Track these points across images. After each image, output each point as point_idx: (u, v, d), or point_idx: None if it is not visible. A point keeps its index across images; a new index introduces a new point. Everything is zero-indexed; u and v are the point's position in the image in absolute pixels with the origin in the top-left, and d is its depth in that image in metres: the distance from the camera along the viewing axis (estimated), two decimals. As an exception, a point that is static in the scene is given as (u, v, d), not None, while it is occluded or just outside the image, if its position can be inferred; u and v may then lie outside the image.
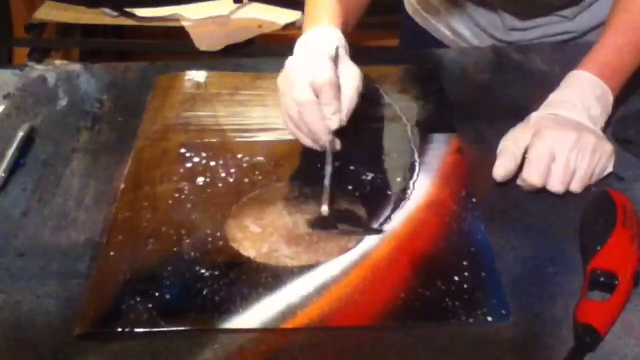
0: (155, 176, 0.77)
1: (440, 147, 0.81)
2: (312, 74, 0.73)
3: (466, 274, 0.64)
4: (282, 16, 1.99)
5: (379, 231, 0.69)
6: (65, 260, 0.68)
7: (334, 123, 0.73)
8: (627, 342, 0.59)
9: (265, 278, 0.65)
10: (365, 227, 0.70)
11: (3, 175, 0.77)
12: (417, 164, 0.78)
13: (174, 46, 2.07)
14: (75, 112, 0.89)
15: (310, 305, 0.62)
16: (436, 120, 0.85)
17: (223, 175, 0.78)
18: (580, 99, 0.77)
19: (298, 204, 0.73)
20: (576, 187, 0.73)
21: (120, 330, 0.61)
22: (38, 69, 0.97)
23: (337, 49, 0.76)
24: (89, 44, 2.22)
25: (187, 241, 0.69)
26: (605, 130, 0.78)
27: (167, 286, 0.64)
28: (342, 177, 0.76)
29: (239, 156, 0.80)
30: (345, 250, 0.68)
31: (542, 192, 0.73)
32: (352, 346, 0.59)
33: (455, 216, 0.71)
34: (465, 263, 0.66)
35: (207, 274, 0.65)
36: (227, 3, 2.02)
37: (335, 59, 0.75)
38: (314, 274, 0.65)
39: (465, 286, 0.63)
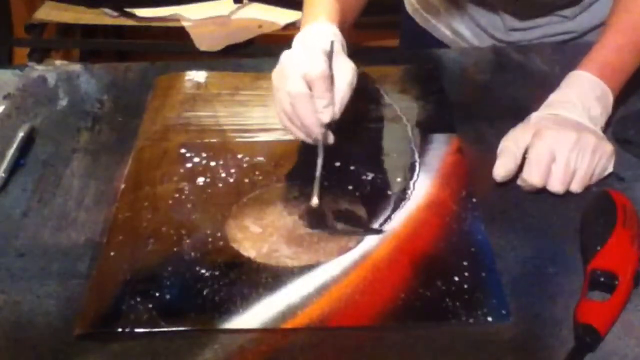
0: (155, 176, 0.77)
1: (440, 147, 0.81)
2: (305, 67, 0.73)
3: (466, 274, 0.64)
4: (282, 16, 1.98)
5: (379, 231, 0.69)
6: (65, 260, 0.68)
7: (326, 116, 0.73)
8: (627, 342, 0.59)
9: (265, 278, 0.65)
10: (365, 227, 0.70)
11: (3, 175, 0.77)
12: (417, 164, 0.78)
13: (174, 46, 2.07)
14: (75, 112, 0.89)
15: (310, 305, 0.62)
16: (436, 120, 0.85)
17: (223, 175, 0.78)
18: (580, 99, 0.77)
19: (298, 204, 0.73)
20: (576, 187, 0.73)
21: (120, 330, 0.61)
22: (38, 69, 0.97)
23: (332, 43, 0.76)
24: (89, 44, 2.22)
25: (187, 241, 0.69)
26: (605, 130, 0.79)
27: (167, 286, 0.64)
28: (342, 177, 0.76)
29: (239, 156, 0.80)
30: (345, 250, 0.68)
31: (542, 192, 0.73)
32: (352, 346, 0.59)
33: (455, 216, 0.71)
34: (465, 263, 0.66)
35: (207, 274, 0.65)
36: (227, 3, 2.02)
37: (330, 54, 0.75)
38: (314, 274, 0.65)
39: (465, 286, 0.63)
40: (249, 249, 0.68)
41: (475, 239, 0.68)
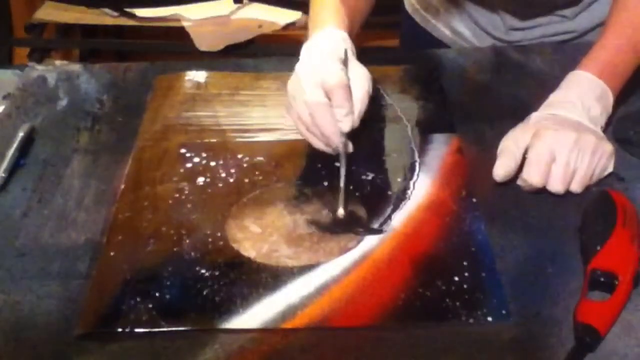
0: (155, 176, 0.77)
1: (440, 147, 0.81)
2: (322, 76, 0.73)
3: (466, 274, 0.64)
4: (282, 16, 1.98)
5: (379, 231, 0.69)
6: (65, 260, 0.68)
7: (346, 125, 0.73)
8: (627, 342, 0.59)
9: (265, 278, 0.65)
10: (365, 227, 0.70)
11: (3, 175, 0.77)
12: (417, 164, 0.78)
13: (174, 46, 2.07)
14: (75, 112, 0.89)
15: (310, 305, 0.62)
16: (436, 120, 0.85)
17: (223, 175, 0.78)
18: (580, 99, 0.77)
19: (298, 204, 0.73)
20: (576, 187, 0.73)
21: (120, 330, 0.61)
22: (38, 69, 0.97)
23: (346, 51, 0.76)
24: (89, 44, 2.22)
25: (187, 241, 0.69)
26: (605, 130, 0.79)
27: (167, 286, 0.64)
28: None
29: (239, 156, 0.80)
30: (345, 250, 0.68)
31: (542, 192, 0.73)
32: (352, 346, 0.59)
33: (455, 216, 0.71)
34: (465, 263, 0.66)
35: (207, 274, 0.65)
36: (227, 3, 2.02)
37: (345, 61, 0.75)
38: (314, 274, 0.65)
39: (465, 286, 0.63)
40: (249, 249, 0.68)
41: (475, 239, 0.68)
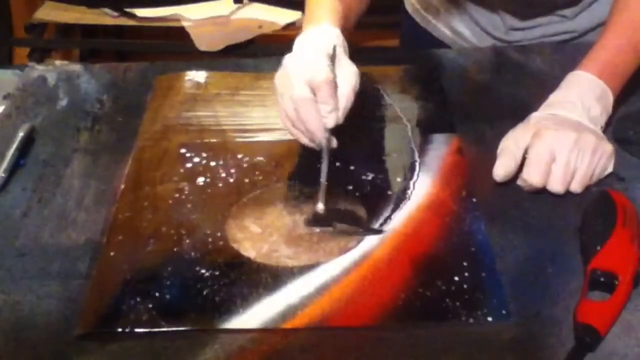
0: (155, 176, 0.77)
1: (440, 147, 0.81)
2: (309, 72, 0.73)
3: (466, 274, 0.64)
4: (282, 16, 1.98)
5: (379, 231, 0.69)
6: (65, 260, 0.68)
7: (331, 121, 0.73)
8: (627, 342, 0.59)
9: (265, 278, 0.65)
10: (365, 227, 0.70)
11: (3, 175, 0.77)
12: (417, 164, 0.78)
13: (174, 46, 2.07)
14: (75, 112, 0.89)
15: (310, 305, 0.62)
16: (436, 120, 0.85)
17: (223, 175, 0.78)
18: (580, 99, 0.77)
19: (298, 204, 0.73)
20: (576, 187, 0.73)
21: (120, 330, 0.61)
22: (38, 69, 0.97)
23: (335, 47, 0.76)
24: (89, 44, 2.21)
25: (187, 241, 0.69)
26: (605, 130, 0.78)
27: (167, 286, 0.64)
28: (342, 177, 0.76)
29: (239, 156, 0.80)
30: (345, 250, 0.68)
31: (542, 192, 0.73)
32: (352, 346, 0.59)
33: (455, 216, 0.71)
34: (465, 263, 0.66)
35: (207, 274, 0.65)
36: (227, 3, 2.02)
37: (333, 58, 0.75)
38: (314, 274, 0.65)
39: (465, 286, 0.63)
40: (249, 249, 0.68)
41: (475, 239, 0.68)
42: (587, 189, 0.73)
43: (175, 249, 0.68)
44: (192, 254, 0.68)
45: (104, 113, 0.89)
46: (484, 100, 0.90)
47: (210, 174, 0.78)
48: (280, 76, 0.76)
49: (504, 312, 0.61)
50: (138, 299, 0.63)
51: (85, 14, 2.02)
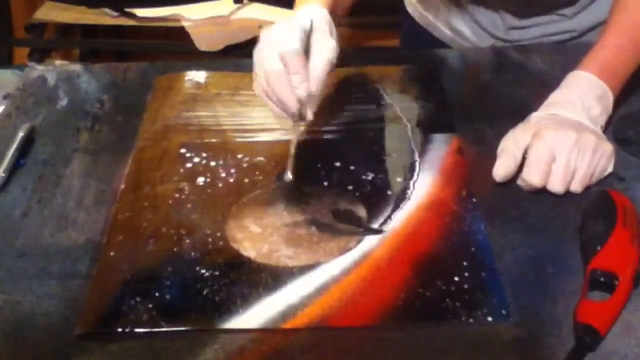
0: (155, 176, 0.77)
1: (440, 147, 0.81)
2: (280, 45, 0.73)
3: (466, 274, 0.64)
4: (282, 16, 1.96)
5: (379, 231, 0.69)
6: (65, 260, 0.68)
7: (302, 91, 0.74)
8: (627, 342, 0.59)
9: (265, 278, 0.65)
10: (365, 227, 0.70)
11: (3, 175, 0.77)
12: (417, 164, 0.78)
13: (174, 46, 2.07)
14: (75, 112, 0.89)
15: (310, 305, 0.62)
16: (436, 120, 0.85)
17: (223, 175, 0.78)
18: (580, 98, 0.77)
19: (298, 203, 0.73)
20: (576, 187, 0.73)
21: (120, 330, 0.61)
22: (38, 69, 0.97)
23: (312, 21, 0.76)
24: (89, 44, 2.21)
25: (187, 241, 0.69)
26: (605, 130, 0.79)
27: (167, 286, 0.64)
28: (342, 177, 0.76)
29: (239, 156, 0.80)
30: (345, 250, 0.68)
31: (542, 192, 0.73)
32: (352, 346, 0.59)
33: (455, 216, 0.71)
34: (465, 263, 0.66)
35: (207, 274, 0.65)
36: (227, 3, 2.02)
37: (309, 32, 0.75)
38: (314, 274, 0.65)
39: (465, 286, 0.63)
40: (249, 249, 0.68)
41: (475, 239, 0.68)
42: (587, 189, 0.73)
43: (175, 249, 0.68)
44: (192, 254, 0.68)
45: (104, 113, 0.89)
46: (484, 100, 0.90)
47: (210, 174, 0.78)
48: (256, 51, 0.77)
49: (504, 312, 0.61)
50: (138, 299, 0.63)
51: (85, 14, 2.02)
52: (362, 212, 0.72)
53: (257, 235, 0.70)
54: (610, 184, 0.75)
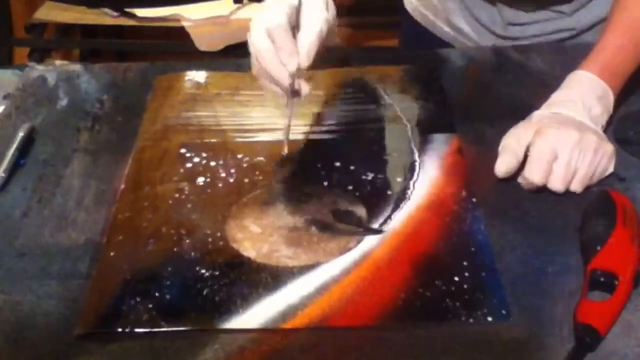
0: (155, 176, 0.77)
1: (440, 147, 0.81)
2: (266, 20, 0.73)
3: (466, 274, 0.64)
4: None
5: (379, 231, 0.69)
6: (65, 260, 0.68)
7: (291, 65, 0.73)
8: (627, 342, 0.59)
9: (265, 278, 0.65)
10: (365, 227, 0.70)
11: (3, 175, 0.77)
12: (417, 164, 0.78)
13: (174, 46, 2.07)
14: (75, 112, 0.89)
15: (310, 305, 0.62)
16: (436, 120, 0.85)
17: (223, 175, 0.78)
18: (581, 98, 0.77)
19: (298, 203, 0.73)
20: (577, 186, 0.73)
21: (120, 330, 0.61)
22: (38, 69, 0.97)
23: None
24: (89, 44, 2.21)
25: (187, 241, 0.69)
26: (605, 130, 0.79)
27: (167, 286, 0.64)
28: (342, 177, 0.76)
29: (239, 156, 0.80)
30: (345, 250, 0.68)
31: (542, 191, 0.73)
32: (352, 346, 0.59)
33: (455, 216, 0.71)
34: (465, 263, 0.66)
35: (207, 274, 0.65)
36: (227, 3, 2.02)
37: (299, 6, 0.75)
38: (314, 274, 0.65)
39: (465, 286, 0.63)
40: (249, 249, 0.68)
41: (475, 239, 0.68)
42: (588, 188, 0.73)
43: (175, 249, 0.68)
44: (192, 254, 0.68)
45: (104, 113, 0.89)
46: (484, 100, 0.90)
47: (210, 174, 0.78)
48: (248, 35, 0.76)
49: (504, 312, 0.61)
50: (138, 299, 0.63)
51: (85, 14, 2.02)
52: (362, 212, 0.72)
53: (257, 235, 0.70)
54: (611, 184, 0.75)
